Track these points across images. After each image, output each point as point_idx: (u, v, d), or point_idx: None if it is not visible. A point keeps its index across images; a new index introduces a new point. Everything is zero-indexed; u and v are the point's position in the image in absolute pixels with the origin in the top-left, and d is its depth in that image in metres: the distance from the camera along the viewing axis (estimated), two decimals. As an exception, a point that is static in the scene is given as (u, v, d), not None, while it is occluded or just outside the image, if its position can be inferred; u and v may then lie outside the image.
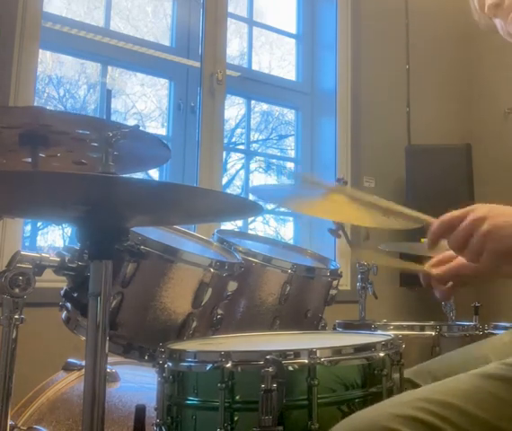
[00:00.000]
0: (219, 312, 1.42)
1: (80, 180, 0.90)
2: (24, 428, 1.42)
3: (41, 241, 2.68)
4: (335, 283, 1.76)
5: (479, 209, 0.91)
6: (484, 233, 0.88)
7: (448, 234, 0.93)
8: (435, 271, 1.06)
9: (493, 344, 1.19)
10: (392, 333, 1.15)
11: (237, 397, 0.95)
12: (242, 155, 3.29)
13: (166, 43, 2.97)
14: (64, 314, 1.38)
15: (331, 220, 1.86)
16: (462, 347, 1.23)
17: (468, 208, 0.92)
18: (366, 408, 0.94)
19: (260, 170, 3.37)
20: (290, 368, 0.94)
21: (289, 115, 3.46)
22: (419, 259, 1.14)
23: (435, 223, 0.94)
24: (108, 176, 0.97)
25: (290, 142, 3.46)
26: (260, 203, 1.12)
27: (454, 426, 0.78)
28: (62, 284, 1.34)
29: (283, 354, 0.94)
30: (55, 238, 2.67)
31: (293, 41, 3.47)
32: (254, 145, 3.35)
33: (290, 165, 3.46)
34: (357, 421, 0.82)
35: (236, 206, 1.12)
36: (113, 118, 1.68)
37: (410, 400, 0.83)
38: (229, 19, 3.06)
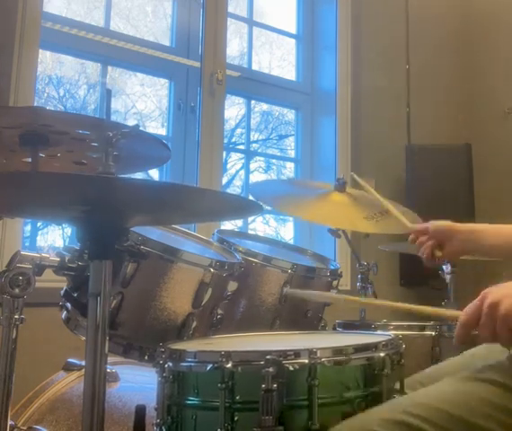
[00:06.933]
0: (219, 312, 1.42)
1: (80, 181, 0.90)
2: (24, 428, 1.42)
3: (41, 241, 2.68)
4: (335, 283, 1.77)
5: (491, 294, 0.91)
6: (504, 317, 0.88)
7: (473, 330, 0.93)
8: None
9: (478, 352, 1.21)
10: (392, 333, 1.15)
11: (237, 397, 0.95)
12: (242, 155, 3.28)
13: (166, 43, 2.97)
14: (64, 314, 1.37)
15: (330, 226, 1.85)
16: (451, 358, 1.26)
17: (481, 296, 0.92)
18: (366, 407, 0.95)
19: (260, 170, 3.37)
20: (290, 368, 0.94)
21: (289, 115, 3.46)
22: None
23: (458, 327, 0.94)
24: (107, 177, 0.97)
25: (290, 142, 3.46)
26: (260, 203, 1.12)
27: (432, 424, 0.83)
28: (62, 284, 1.34)
29: (283, 354, 0.94)
30: (55, 238, 2.67)
31: (293, 41, 3.47)
32: (254, 145, 3.35)
33: (290, 165, 3.46)
34: (348, 426, 0.86)
35: (236, 206, 1.12)
36: (113, 118, 1.68)
37: (397, 405, 0.88)
38: (229, 19, 3.06)
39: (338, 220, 1.80)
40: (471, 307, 0.93)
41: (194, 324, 1.35)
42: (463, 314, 0.93)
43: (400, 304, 1.09)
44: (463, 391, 0.90)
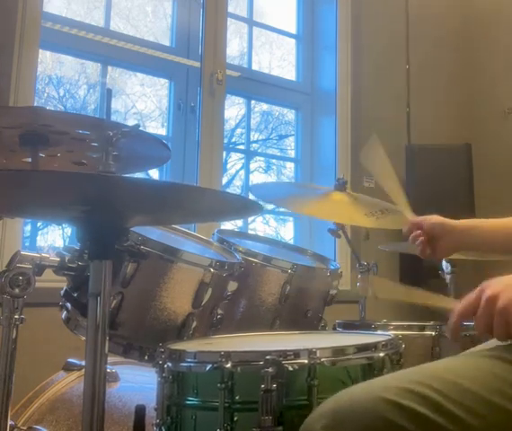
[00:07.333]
0: (219, 312, 1.42)
1: (80, 179, 0.90)
2: (24, 428, 1.42)
3: (41, 241, 2.68)
4: (335, 283, 1.76)
5: (490, 287, 0.90)
6: (501, 311, 0.87)
7: (469, 320, 0.92)
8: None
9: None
10: (392, 333, 1.15)
11: (237, 397, 0.95)
12: (242, 155, 3.28)
13: (166, 43, 2.97)
14: (64, 314, 1.38)
15: (332, 221, 1.86)
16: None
17: (480, 288, 0.91)
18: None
19: (260, 170, 3.37)
20: (290, 368, 0.94)
21: (289, 115, 3.46)
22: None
23: (453, 316, 0.92)
24: (107, 175, 0.97)
25: (290, 142, 3.46)
26: (261, 202, 1.12)
27: (444, 395, 0.80)
28: (62, 284, 1.34)
29: (283, 354, 0.94)
30: (55, 238, 2.67)
31: (293, 41, 3.47)
32: (254, 145, 3.35)
33: (290, 165, 3.45)
34: (356, 390, 0.83)
35: (236, 205, 1.12)
36: (113, 118, 1.68)
37: (407, 374, 0.85)
38: (229, 19, 3.06)
39: (339, 216, 1.81)
40: (468, 298, 0.91)
41: (194, 324, 1.35)
42: (460, 304, 0.92)
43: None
44: (476, 367, 0.88)
